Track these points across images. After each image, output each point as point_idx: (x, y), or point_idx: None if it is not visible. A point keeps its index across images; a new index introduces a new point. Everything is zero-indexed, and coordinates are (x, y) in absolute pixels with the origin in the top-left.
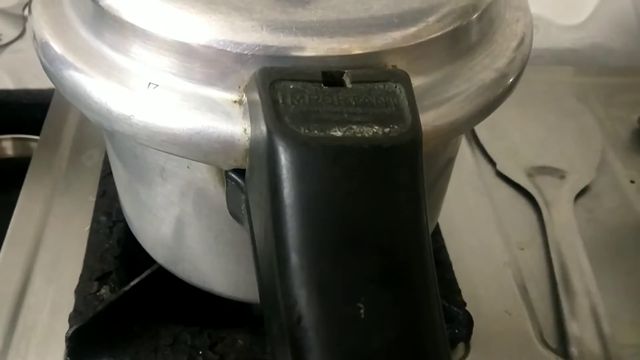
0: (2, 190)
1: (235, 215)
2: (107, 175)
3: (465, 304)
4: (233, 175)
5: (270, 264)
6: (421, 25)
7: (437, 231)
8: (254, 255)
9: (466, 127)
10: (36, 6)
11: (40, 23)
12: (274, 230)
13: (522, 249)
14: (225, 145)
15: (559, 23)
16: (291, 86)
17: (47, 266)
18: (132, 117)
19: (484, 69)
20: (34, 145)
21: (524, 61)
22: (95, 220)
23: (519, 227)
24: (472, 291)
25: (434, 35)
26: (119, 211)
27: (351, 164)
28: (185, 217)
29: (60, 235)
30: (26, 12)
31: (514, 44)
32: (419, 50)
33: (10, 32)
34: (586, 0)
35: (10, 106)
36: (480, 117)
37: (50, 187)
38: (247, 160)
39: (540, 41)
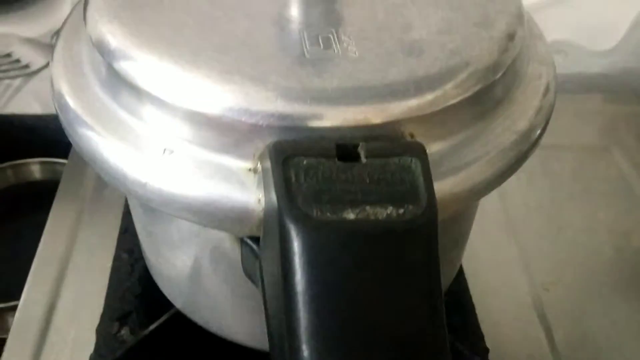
0: (30, 212)
1: (250, 277)
2: (129, 211)
3: (488, 351)
4: (248, 240)
5: (282, 349)
6: (438, 92)
7: (460, 272)
8: (267, 323)
9: (486, 191)
10: (57, 64)
11: (60, 83)
12: (285, 318)
13: (547, 289)
14: (240, 214)
15: (589, 48)
16: (305, 162)
17: (69, 302)
18: (147, 184)
19: (505, 131)
20: (60, 168)
21: (547, 119)
22: (117, 258)
23: (545, 267)
24: (496, 335)
25: (452, 101)
26: (140, 248)
27: (363, 251)
28: (201, 269)
29: (83, 271)
30: (54, 40)
31: (535, 102)
32: (437, 117)
33: (39, 60)
34: (617, 25)
35: (38, 131)
36: (500, 180)
37: (75, 219)
38: (262, 229)
39: (570, 66)
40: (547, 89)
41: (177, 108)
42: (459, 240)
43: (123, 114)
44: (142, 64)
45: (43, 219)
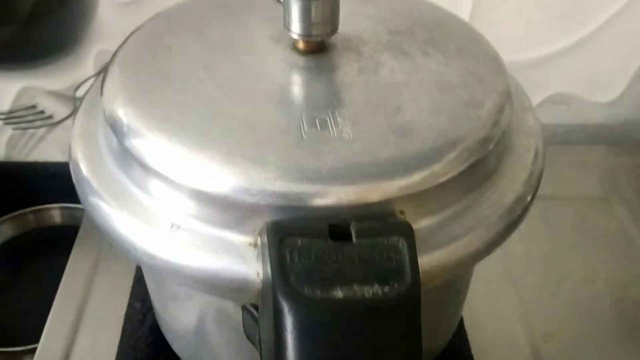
0: (50, 255)
1: (250, 340)
2: None
3: None
4: (249, 307)
5: None
6: (426, 172)
7: (460, 325)
8: None
9: (474, 262)
10: (76, 137)
11: (77, 154)
12: None
13: (546, 341)
14: (240, 285)
15: (591, 100)
16: (299, 242)
17: (85, 349)
18: (155, 256)
19: (492, 205)
20: (80, 213)
21: (534, 191)
22: (130, 306)
23: (544, 318)
24: None
25: (440, 180)
26: None
27: (350, 328)
28: (206, 328)
29: (99, 317)
30: (77, 93)
31: (523, 176)
32: (426, 195)
33: (62, 111)
34: (619, 77)
35: (59, 177)
36: (488, 251)
37: (93, 264)
38: (260, 299)
39: (572, 117)
40: (534, 161)
41: (183, 186)
42: (457, 298)
43: (134, 189)
44: (152, 145)
45: (62, 262)
